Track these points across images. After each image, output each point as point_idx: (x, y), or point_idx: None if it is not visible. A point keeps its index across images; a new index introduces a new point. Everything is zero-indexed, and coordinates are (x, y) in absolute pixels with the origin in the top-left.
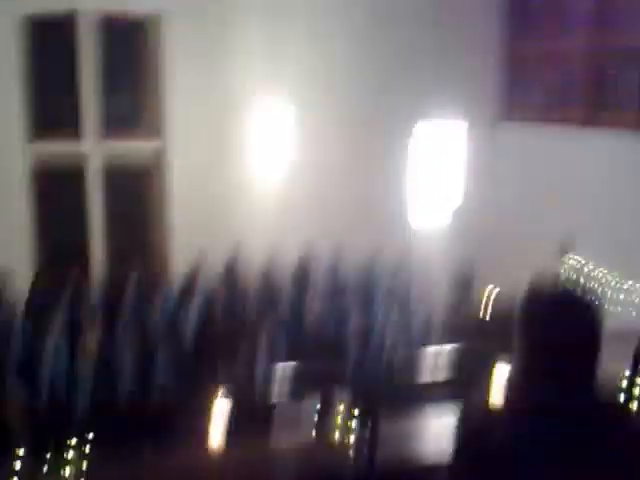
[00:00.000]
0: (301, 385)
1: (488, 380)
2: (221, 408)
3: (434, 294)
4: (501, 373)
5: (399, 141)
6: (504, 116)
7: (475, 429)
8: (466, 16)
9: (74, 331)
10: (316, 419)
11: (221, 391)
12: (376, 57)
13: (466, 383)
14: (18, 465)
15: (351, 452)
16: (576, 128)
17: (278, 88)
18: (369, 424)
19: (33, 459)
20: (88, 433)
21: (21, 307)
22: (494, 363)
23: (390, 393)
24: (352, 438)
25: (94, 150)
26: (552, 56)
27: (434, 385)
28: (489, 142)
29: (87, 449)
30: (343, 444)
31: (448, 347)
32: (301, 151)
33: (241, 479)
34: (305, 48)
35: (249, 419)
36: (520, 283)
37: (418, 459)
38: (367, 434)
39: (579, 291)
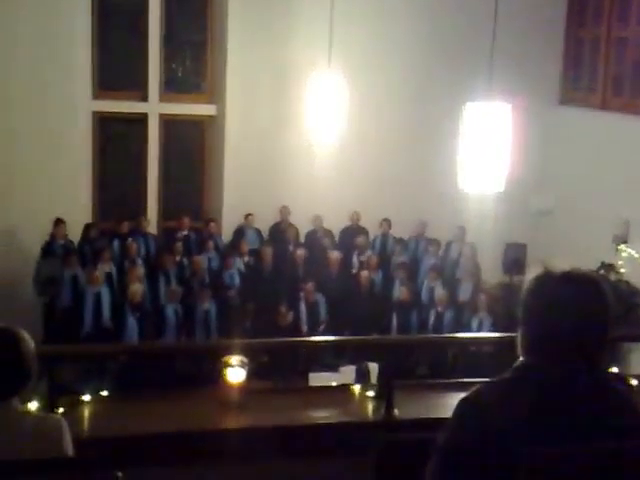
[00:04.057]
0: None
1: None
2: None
3: (485, 269)
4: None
5: (453, 117)
6: (563, 100)
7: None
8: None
9: (121, 280)
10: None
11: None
12: (436, 38)
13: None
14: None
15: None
16: (636, 116)
17: (336, 62)
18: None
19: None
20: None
21: (73, 256)
22: None
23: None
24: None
25: (154, 110)
26: (612, 43)
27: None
28: (546, 125)
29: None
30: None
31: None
32: (355, 123)
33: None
34: (366, 26)
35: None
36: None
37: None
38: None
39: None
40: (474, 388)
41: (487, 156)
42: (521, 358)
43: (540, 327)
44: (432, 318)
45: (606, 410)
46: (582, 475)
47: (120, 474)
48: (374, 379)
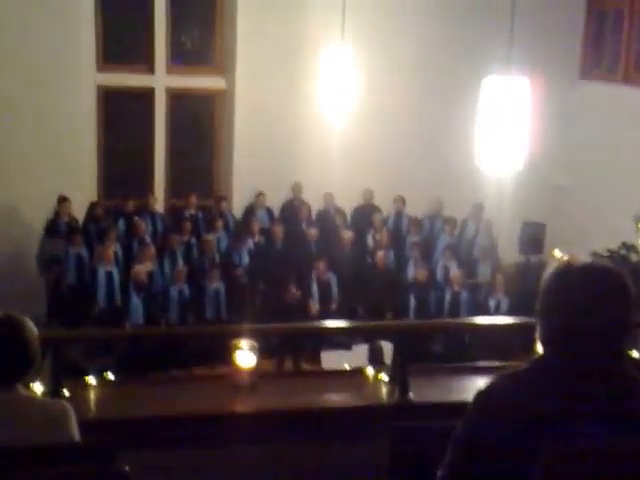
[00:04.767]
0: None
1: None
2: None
3: (501, 248)
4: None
5: (470, 92)
6: (583, 75)
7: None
8: None
9: (127, 260)
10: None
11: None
12: (454, 10)
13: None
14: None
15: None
16: None
17: (349, 35)
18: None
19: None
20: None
21: (77, 235)
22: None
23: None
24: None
25: (161, 83)
26: (636, 15)
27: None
28: (566, 101)
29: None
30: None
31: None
32: (369, 98)
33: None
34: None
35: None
36: (590, 248)
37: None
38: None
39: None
40: (491, 380)
41: (505, 133)
42: (540, 350)
43: (561, 321)
44: (448, 298)
45: (632, 402)
46: (603, 472)
47: (127, 468)
48: (387, 358)
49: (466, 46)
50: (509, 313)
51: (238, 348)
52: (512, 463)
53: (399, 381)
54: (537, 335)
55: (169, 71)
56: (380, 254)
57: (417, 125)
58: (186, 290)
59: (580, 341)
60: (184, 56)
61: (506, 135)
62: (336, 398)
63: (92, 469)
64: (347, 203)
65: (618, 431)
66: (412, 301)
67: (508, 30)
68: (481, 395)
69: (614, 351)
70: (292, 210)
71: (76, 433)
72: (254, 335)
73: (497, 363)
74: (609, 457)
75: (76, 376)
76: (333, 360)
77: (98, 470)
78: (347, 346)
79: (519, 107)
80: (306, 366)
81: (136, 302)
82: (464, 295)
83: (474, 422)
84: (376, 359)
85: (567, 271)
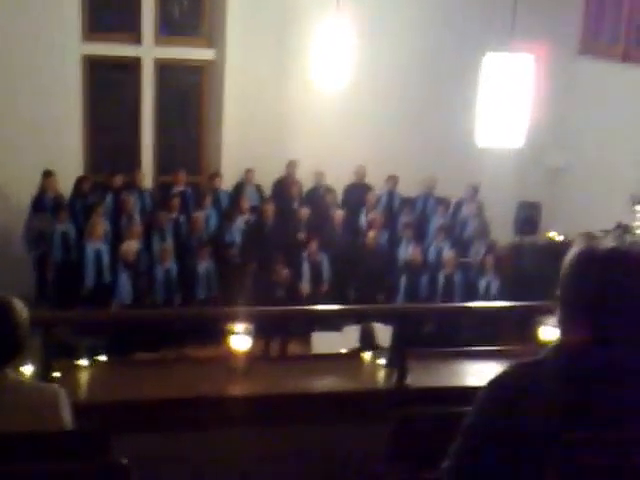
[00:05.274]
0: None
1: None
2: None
3: (495, 229)
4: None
5: (470, 69)
6: (582, 50)
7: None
8: None
9: (115, 237)
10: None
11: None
12: None
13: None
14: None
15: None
16: None
17: (345, 4)
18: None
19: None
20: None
21: (64, 210)
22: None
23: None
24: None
25: (148, 54)
26: None
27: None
28: (564, 77)
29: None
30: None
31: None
32: (363, 72)
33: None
34: None
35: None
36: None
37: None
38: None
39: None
40: (505, 369)
41: (506, 109)
42: (560, 337)
43: (586, 309)
44: (441, 280)
45: None
46: (621, 467)
47: (126, 461)
48: (379, 339)
49: (466, 20)
50: (499, 294)
51: (233, 332)
52: (527, 456)
53: (398, 366)
54: (558, 321)
55: (157, 41)
56: (371, 234)
57: (413, 103)
58: (174, 269)
59: (603, 330)
60: (172, 26)
61: (507, 112)
62: (333, 382)
63: (91, 462)
64: (339, 181)
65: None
66: (403, 282)
67: (509, 5)
68: (495, 384)
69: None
70: (283, 188)
71: (69, 418)
72: (248, 319)
73: (493, 348)
74: (631, 447)
75: (67, 354)
76: (323, 341)
77: (97, 463)
78: (337, 327)
79: (521, 84)
80: (296, 347)
81: (125, 280)
82: (457, 277)
83: (487, 413)
84: (367, 341)
85: (592, 255)
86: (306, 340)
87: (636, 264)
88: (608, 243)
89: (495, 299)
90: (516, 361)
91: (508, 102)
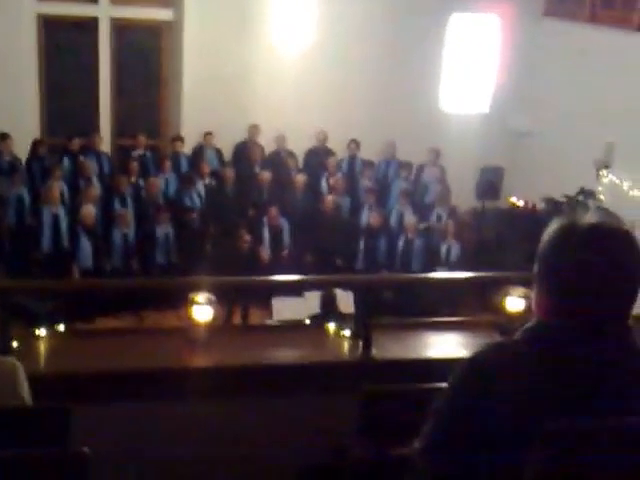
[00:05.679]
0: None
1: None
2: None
3: (456, 194)
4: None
5: (435, 30)
6: (547, 11)
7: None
8: None
9: (73, 201)
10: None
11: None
12: None
13: None
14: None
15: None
16: (629, 32)
17: None
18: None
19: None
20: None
21: (20, 173)
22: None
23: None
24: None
25: (105, 13)
26: None
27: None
28: (528, 39)
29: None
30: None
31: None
32: (324, 34)
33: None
34: None
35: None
36: (549, 195)
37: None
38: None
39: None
40: (481, 348)
41: (471, 72)
42: (536, 317)
43: (564, 287)
44: (401, 244)
45: (637, 377)
46: (603, 451)
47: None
48: (340, 306)
49: None
50: (460, 259)
51: (194, 302)
52: (506, 440)
53: (363, 337)
54: (533, 299)
55: (113, 1)
56: (329, 198)
57: (377, 65)
58: (131, 234)
59: (584, 308)
60: None
61: (472, 76)
62: (298, 354)
63: (50, 448)
64: (300, 146)
65: (617, 409)
66: (361, 247)
67: None
68: (467, 364)
69: (622, 318)
70: (244, 152)
71: (26, 394)
72: (209, 288)
73: (456, 319)
74: (615, 437)
75: (25, 320)
76: (284, 307)
77: (56, 452)
78: (299, 293)
79: (486, 46)
80: (256, 313)
81: (85, 245)
82: (417, 242)
83: (464, 393)
84: (329, 307)
85: (572, 231)
86: (266, 305)
87: (613, 243)
88: (590, 219)
89: (455, 264)
90: (493, 340)
91: (473, 65)
